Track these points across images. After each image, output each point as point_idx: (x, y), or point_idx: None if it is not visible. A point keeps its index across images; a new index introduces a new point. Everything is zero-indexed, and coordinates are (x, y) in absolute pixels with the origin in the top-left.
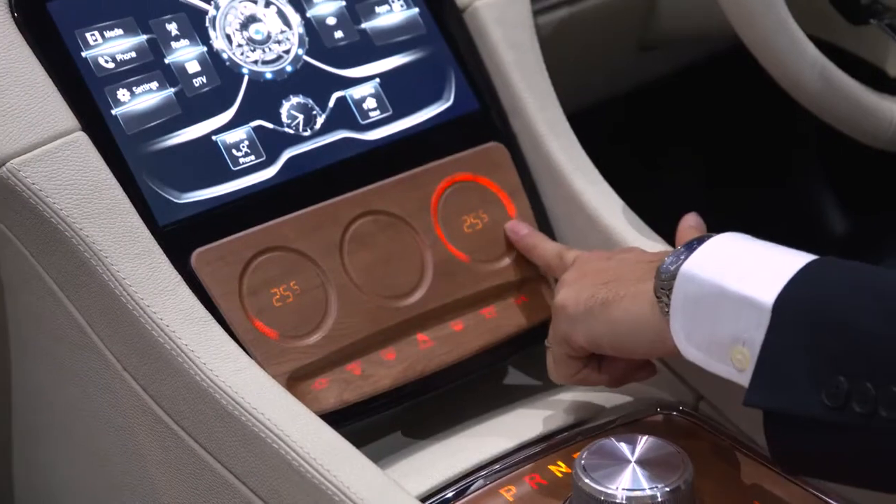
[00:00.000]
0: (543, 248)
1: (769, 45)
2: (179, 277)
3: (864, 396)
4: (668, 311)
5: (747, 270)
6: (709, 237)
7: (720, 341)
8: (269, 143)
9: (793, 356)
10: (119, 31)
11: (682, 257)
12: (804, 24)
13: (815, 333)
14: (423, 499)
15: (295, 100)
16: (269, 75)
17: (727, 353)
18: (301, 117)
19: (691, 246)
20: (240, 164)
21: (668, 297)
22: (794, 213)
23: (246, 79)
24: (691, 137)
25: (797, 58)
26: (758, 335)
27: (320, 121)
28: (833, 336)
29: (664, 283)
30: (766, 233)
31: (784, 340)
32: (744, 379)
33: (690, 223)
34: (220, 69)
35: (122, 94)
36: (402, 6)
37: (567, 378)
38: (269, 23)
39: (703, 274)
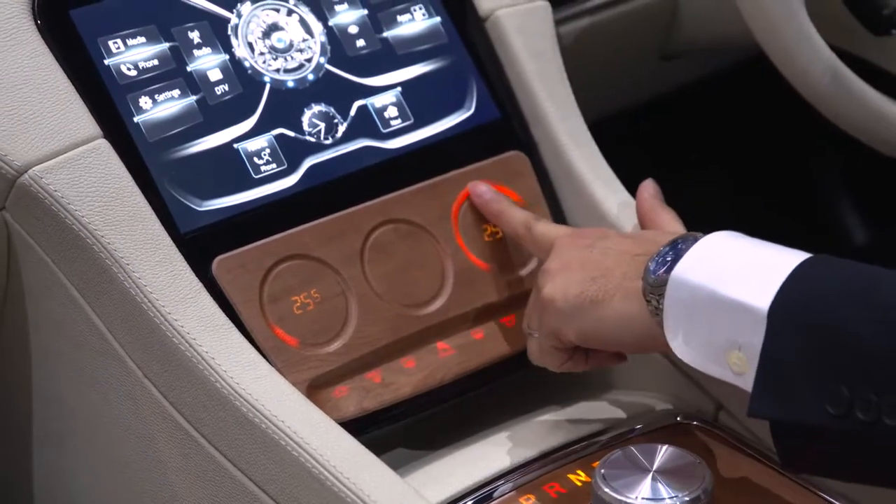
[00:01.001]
0: (510, 214)
1: (790, 54)
2: (200, 285)
3: (867, 405)
4: (658, 314)
5: (739, 273)
6: (694, 237)
7: (715, 345)
8: (291, 152)
9: (793, 365)
10: (141, 39)
11: (669, 258)
12: (826, 34)
13: (812, 341)
14: None
15: (316, 108)
16: (290, 83)
17: (723, 357)
18: (322, 125)
19: (676, 245)
20: (261, 172)
21: (658, 300)
22: (814, 223)
23: (268, 87)
24: (713, 147)
25: (818, 67)
26: (754, 341)
27: (342, 129)
28: (831, 344)
29: (653, 288)
30: (786, 243)
31: (782, 348)
32: (742, 382)
33: (650, 191)
34: (242, 77)
35: (145, 101)
36: (423, 15)
37: (554, 367)
38: (292, 31)
39: (694, 279)
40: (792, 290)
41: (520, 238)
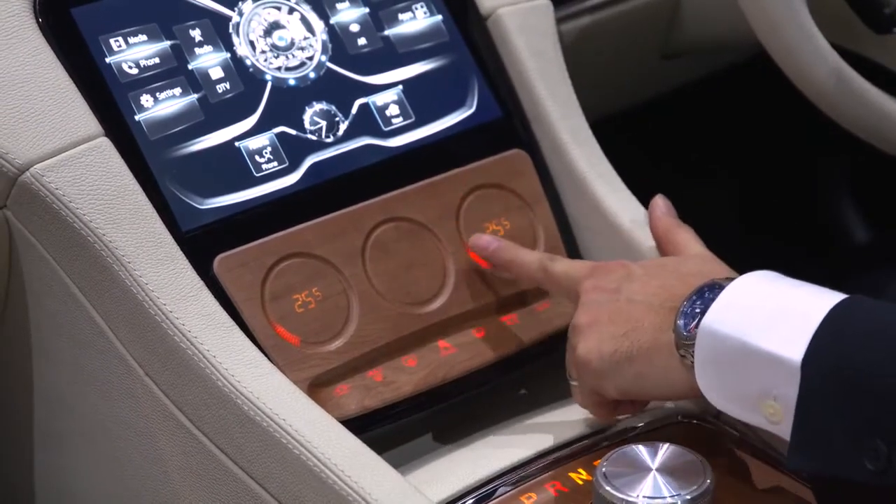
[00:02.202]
0: (523, 259)
1: (792, 53)
2: (202, 283)
3: None
4: (692, 365)
5: (769, 321)
6: (720, 285)
7: (749, 395)
8: (292, 150)
9: (829, 418)
10: (143, 37)
11: (698, 310)
12: (827, 32)
13: (847, 393)
14: None
15: (318, 106)
16: (292, 82)
17: (758, 407)
18: (324, 124)
19: (703, 295)
20: (262, 171)
21: (691, 352)
22: (818, 223)
23: (269, 85)
24: (714, 146)
25: (819, 66)
26: (788, 391)
27: (343, 127)
28: (865, 396)
29: (686, 343)
30: (789, 242)
31: (818, 401)
32: (779, 431)
33: (662, 209)
34: (244, 75)
35: (146, 99)
36: (425, 13)
37: (603, 419)
38: (293, 29)
39: (724, 329)
40: (824, 339)
41: (538, 282)
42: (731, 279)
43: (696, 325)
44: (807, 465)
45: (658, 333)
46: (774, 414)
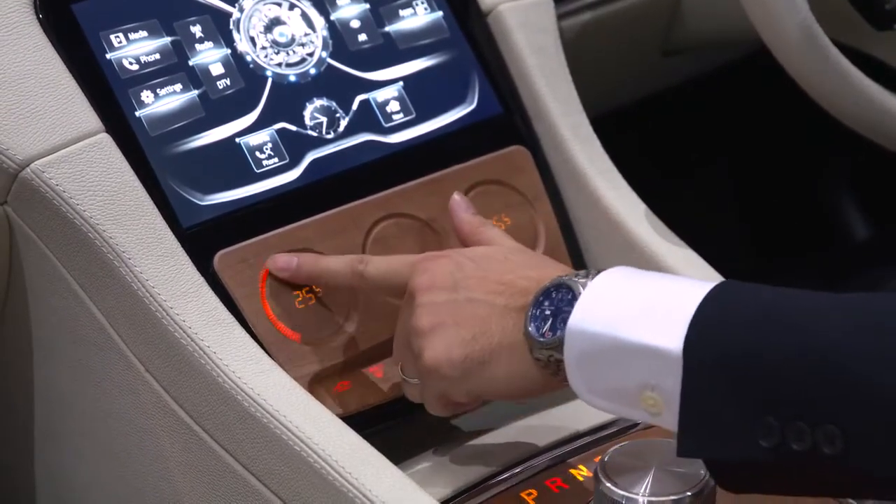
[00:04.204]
0: (329, 267)
1: (793, 49)
2: (202, 279)
3: (800, 435)
4: (549, 366)
5: (640, 314)
6: (567, 286)
7: (627, 390)
8: (293, 146)
9: (717, 401)
10: (143, 33)
11: (548, 312)
12: (828, 28)
13: (733, 375)
14: (445, 502)
15: (318, 102)
16: (292, 78)
17: (636, 400)
18: (324, 120)
19: (550, 295)
20: (263, 167)
21: (550, 357)
22: (816, 219)
23: (269, 81)
24: (715, 142)
25: (820, 62)
26: (667, 381)
27: (343, 123)
28: (752, 375)
29: (543, 347)
30: (789, 239)
31: (703, 386)
32: (662, 422)
33: (464, 208)
34: (244, 71)
35: (146, 95)
36: (425, 10)
37: (446, 415)
38: (294, 25)
39: (593, 328)
40: (705, 324)
41: (357, 289)
42: (571, 276)
43: (550, 329)
44: (699, 450)
45: (507, 338)
46: (655, 405)
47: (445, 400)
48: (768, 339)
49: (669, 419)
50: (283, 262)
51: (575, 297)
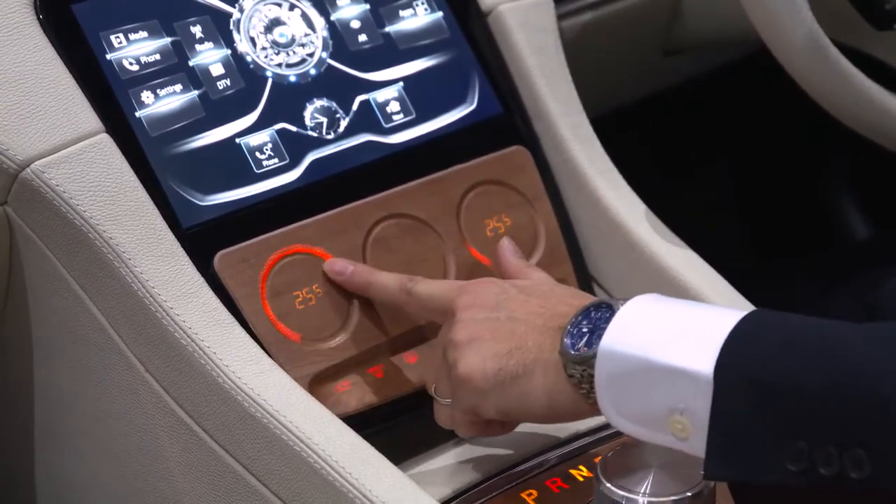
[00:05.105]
0: (382, 281)
1: (793, 49)
2: (202, 280)
3: (829, 459)
4: (583, 387)
5: (672, 338)
6: (608, 305)
7: (655, 413)
8: (293, 146)
9: (746, 424)
10: (143, 34)
11: (585, 329)
12: (828, 29)
13: (763, 398)
14: (445, 502)
15: (318, 103)
16: (292, 78)
17: (664, 424)
18: (324, 120)
19: (588, 315)
20: (263, 167)
21: (583, 373)
22: (816, 219)
23: (270, 81)
24: (715, 142)
25: (820, 62)
26: (697, 405)
27: (344, 124)
28: (783, 400)
29: (577, 364)
30: (789, 239)
31: (733, 409)
32: (688, 447)
33: (510, 251)
34: (244, 72)
35: (146, 96)
36: (425, 10)
37: (467, 437)
38: (294, 26)
39: (625, 349)
40: (735, 349)
41: (402, 305)
42: (616, 300)
43: (586, 345)
44: (726, 473)
45: (543, 354)
46: (683, 430)
47: (476, 417)
48: (798, 364)
49: (696, 443)
50: (340, 266)
51: (614, 316)
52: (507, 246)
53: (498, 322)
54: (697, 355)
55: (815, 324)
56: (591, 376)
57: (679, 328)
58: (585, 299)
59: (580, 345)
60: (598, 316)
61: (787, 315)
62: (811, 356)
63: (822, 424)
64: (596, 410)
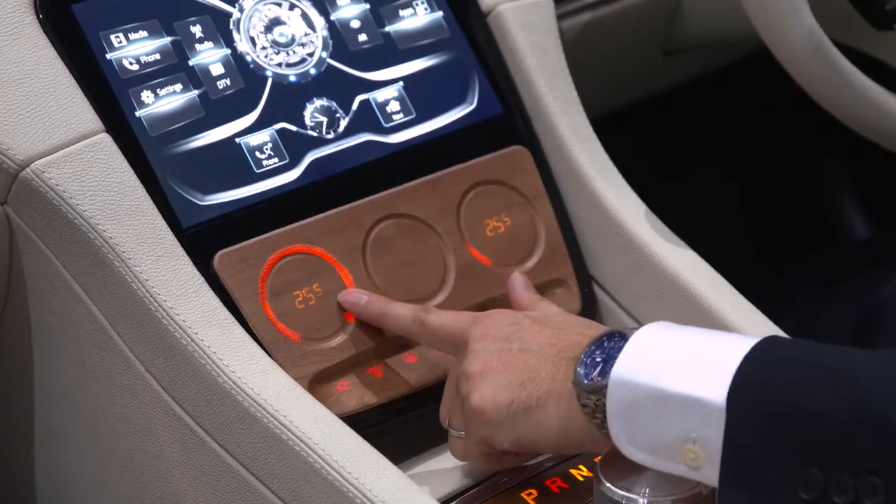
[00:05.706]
0: (395, 312)
1: (793, 49)
2: (202, 279)
3: (843, 487)
4: (597, 417)
5: (684, 366)
6: (620, 334)
7: (668, 443)
8: (293, 146)
9: (759, 452)
10: (143, 34)
11: (598, 359)
12: (828, 29)
13: (776, 427)
14: (445, 502)
15: (318, 102)
16: (292, 78)
17: (677, 453)
18: (324, 120)
19: (602, 344)
20: (263, 167)
21: (596, 402)
22: (816, 219)
23: (270, 81)
24: (715, 142)
25: (820, 63)
26: (710, 433)
27: (344, 123)
28: (797, 427)
29: (590, 393)
30: (790, 239)
31: (746, 437)
32: (701, 476)
33: (521, 285)
34: (244, 71)
35: (146, 95)
36: (425, 10)
37: (485, 468)
38: (294, 25)
39: (637, 378)
40: (747, 377)
41: (415, 336)
42: (630, 328)
43: (599, 374)
44: (740, 501)
45: (556, 384)
46: (695, 459)
47: (489, 448)
48: (812, 391)
49: (710, 473)
50: (354, 297)
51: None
52: (518, 280)
53: (510, 353)
54: (709, 383)
55: (827, 350)
56: (605, 406)
57: (690, 356)
58: (599, 329)
59: (594, 374)
60: (612, 345)
61: (798, 341)
62: (825, 383)
63: (836, 452)
64: (610, 441)
